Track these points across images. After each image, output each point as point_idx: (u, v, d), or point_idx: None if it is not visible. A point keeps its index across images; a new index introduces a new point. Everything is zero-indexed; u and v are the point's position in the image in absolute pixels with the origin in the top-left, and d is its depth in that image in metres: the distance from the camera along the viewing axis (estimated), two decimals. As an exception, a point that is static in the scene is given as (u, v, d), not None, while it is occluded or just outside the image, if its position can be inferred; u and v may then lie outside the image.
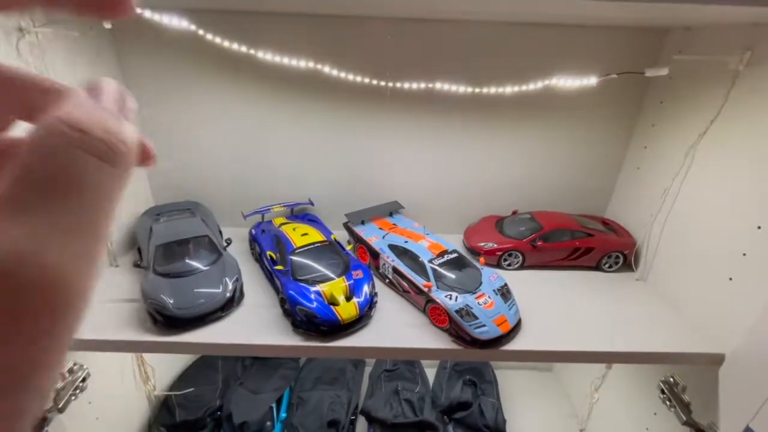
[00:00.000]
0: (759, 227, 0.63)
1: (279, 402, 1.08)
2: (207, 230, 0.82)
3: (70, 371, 0.76)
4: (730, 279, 0.67)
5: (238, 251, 0.92)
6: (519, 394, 1.21)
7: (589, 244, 0.88)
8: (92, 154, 0.14)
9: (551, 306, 0.79)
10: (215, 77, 0.88)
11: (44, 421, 0.69)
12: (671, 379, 0.79)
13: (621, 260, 0.90)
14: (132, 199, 0.93)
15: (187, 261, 0.75)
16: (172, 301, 0.67)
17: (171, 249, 0.77)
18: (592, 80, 0.69)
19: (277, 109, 0.92)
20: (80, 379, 0.77)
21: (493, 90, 0.75)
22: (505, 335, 0.67)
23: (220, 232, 0.92)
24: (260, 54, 0.69)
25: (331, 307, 0.68)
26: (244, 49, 0.68)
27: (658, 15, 0.69)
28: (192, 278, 0.73)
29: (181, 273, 0.73)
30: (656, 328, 0.74)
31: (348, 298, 0.70)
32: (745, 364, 0.64)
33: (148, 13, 0.60)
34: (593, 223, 0.93)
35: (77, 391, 0.76)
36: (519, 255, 0.89)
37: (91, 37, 0.77)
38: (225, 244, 0.85)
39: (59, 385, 0.73)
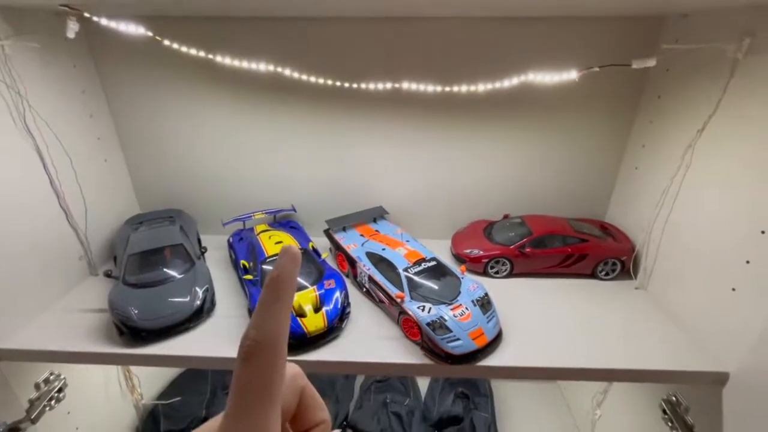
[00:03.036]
0: (763, 232, 0.56)
1: (266, 413, 1.06)
2: (182, 238, 0.81)
3: (46, 381, 0.75)
4: (733, 289, 0.61)
5: (220, 259, 0.91)
6: (518, 407, 1.15)
7: (583, 250, 0.83)
8: None
9: (539, 317, 0.73)
10: (192, 85, 0.87)
11: (17, 431, 0.69)
12: (674, 399, 0.72)
13: (618, 267, 0.83)
14: (117, 207, 0.93)
15: (159, 270, 0.74)
16: (137, 312, 0.66)
17: (144, 258, 0.76)
18: (572, 74, 0.64)
19: (260, 116, 0.91)
20: (56, 390, 0.76)
21: (463, 88, 0.71)
22: (481, 350, 0.63)
23: (199, 241, 0.91)
24: (218, 58, 0.67)
25: (298, 318, 0.65)
26: (202, 54, 0.66)
27: (650, 1, 0.64)
28: (162, 288, 0.71)
29: (151, 282, 0.72)
30: (656, 343, 0.68)
31: (317, 309, 0.67)
32: (751, 385, 0.58)
33: (104, 21, 0.59)
34: (589, 228, 0.87)
35: (52, 402, 0.75)
36: (507, 262, 0.84)
37: (66, 50, 0.78)
38: (200, 252, 0.84)
39: (34, 395, 0.73)
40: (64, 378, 0.79)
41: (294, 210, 0.98)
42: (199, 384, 1.10)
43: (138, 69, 0.86)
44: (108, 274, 0.74)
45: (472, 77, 0.73)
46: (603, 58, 0.69)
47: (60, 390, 0.77)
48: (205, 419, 1.00)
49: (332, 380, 1.12)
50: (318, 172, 0.96)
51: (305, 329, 0.64)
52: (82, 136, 0.83)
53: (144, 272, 0.74)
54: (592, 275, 0.84)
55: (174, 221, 0.89)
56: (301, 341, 0.64)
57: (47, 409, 0.74)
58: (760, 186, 0.57)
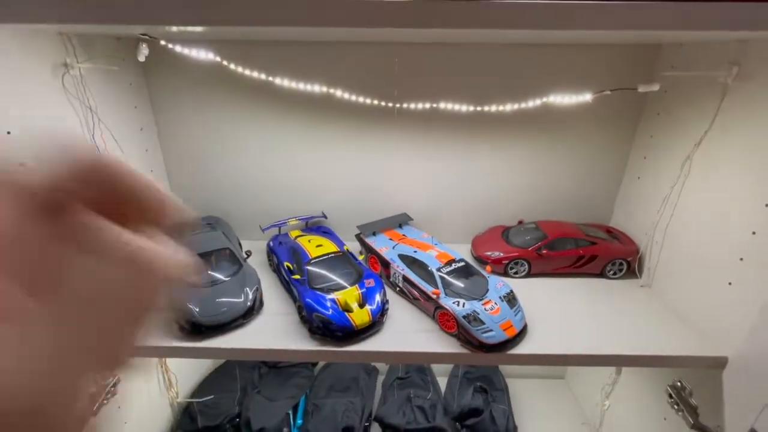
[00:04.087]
0: (754, 233, 0.66)
1: (295, 409, 1.12)
2: (228, 243, 0.88)
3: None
4: (730, 284, 0.70)
5: (256, 263, 0.97)
6: (530, 402, 1.22)
7: (593, 251, 0.91)
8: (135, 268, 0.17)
9: (557, 312, 0.81)
10: (233, 101, 0.95)
11: (79, 423, 0.74)
12: (678, 384, 0.81)
13: (625, 267, 0.92)
14: (158, 215, 0.99)
15: (209, 272, 0.81)
16: (197, 309, 0.72)
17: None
18: (587, 96, 0.73)
19: (292, 130, 0.98)
20: (111, 384, 0.81)
21: (494, 108, 0.80)
22: (511, 339, 0.70)
23: (240, 245, 0.97)
24: (277, 80, 0.75)
25: (346, 313, 0.72)
26: (263, 76, 0.74)
27: (649, 34, 0.73)
28: (215, 288, 0.78)
29: (205, 283, 0.78)
30: (661, 333, 0.76)
31: (361, 306, 0.74)
32: (747, 367, 0.66)
33: (178, 48, 0.67)
34: (597, 232, 0.96)
35: (109, 396, 0.81)
36: (525, 263, 0.92)
37: (124, 69, 0.85)
38: (245, 255, 0.90)
39: (94, 389, 0.78)
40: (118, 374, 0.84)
41: (325, 216, 1.05)
42: (229, 383, 1.15)
43: (183, 86, 0.93)
44: (164, 276, 0.80)
45: (502, 98, 0.82)
46: (610, 81, 0.79)
47: (115, 384, 0.82)
48: (238, 415, 1.06)
49: (355, 377, 1.18)
50: (347, 183, 1.04)
51: (353, 323, 0.71)
52: (135, 147, 0.89)
53: (198, 273, 0.80)
54: (601, 275, 0.93)
55: (215, 228, 0.95)
56: (350, 333, 0.71)
57: (105, 402, 0.79)
58: (750, 192, 0.67)
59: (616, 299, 0.87)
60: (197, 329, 0.72)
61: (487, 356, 0.70)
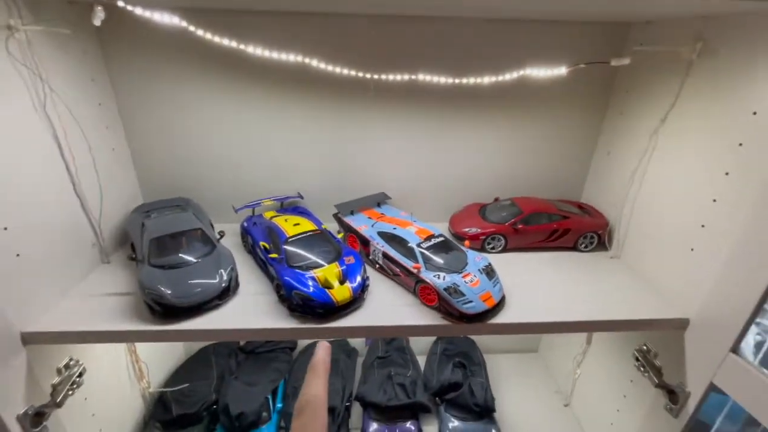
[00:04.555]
0: (714, 200, 0.69)
1: (274, 393, 1.10)
2: (199, 224, 0.84)
3: (66, 366, 0.76)
4: (692, 249, 0.74)
5: (230, 245, 0.93)
6: (506, 375, 1.26)
7: (566, 225, 0.94)
8: None
9: (533, 284, 0.84)
10: (201, 74, 0.90)
11: (42, 416, 0.70)
12: (644, 347, 0.85)
13: (596, 240, 0.96)
14: (120, 197, 0.93)
15: (182, 253, 0.77)
16: (170, 291, 0.69)
17: (165, 242, 0.78)
18: (562, 70, 0.74)
19: (266, 107, 0.95)
20: (77, 374, 0.77)
21: (471, 81, 0.80)
22: (491, 310, 0.72)
23: (212, 226, 0.93)
24: (250, 49, 0.71)
25: (326, 290, 0.71)
26: (234, 44, 0.70)
27: (617, 10, 0.75)
28: (187, 269, 0.74)
29: (176, 264, 0.75)
30: (629, 299, 0.80)
31: (341, 282, 0.73)
32: (706, 326, 0.71)
33: (139, 11, 0.62)
34: (569, 207, 0.99)
35: (74, 386, 0.76)
36: (501, 238, 0.94)
37: (78, 37, 0.78)
38: (218, 236, 0.87)
39: (56, 380, 0.74)
40: (83, 364, 0.79)
41: (301, 197, 1.03)
42: (205, 370, 1.12)
43: (144, 58, 0.87)
44: (132, 258, 0.76)
45: (477, 72, 0.82)
46: (583, 57, 0.80)
47: (80, 375, 0.78)
48: (216, 402, 1.03)
49: (336, 359, 1.18)
50: (322, 161, 1.02)
51: (334, 299, 0.70)
52: (93, 124, 0.83)
53: (169, 255, 0.76)
54: (574, 248, 0.96)
55: (185, 209, 0.91)
56: (331, 310, 0.70)
57: (69, 393, 0.75)
58: (710, 162, 0.70)
59: (587, 270, 0.90)
60: (170, 311, 0.69)
61: (467, 327, 0.71)
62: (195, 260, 0.77)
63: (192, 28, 0.65)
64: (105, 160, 0.86)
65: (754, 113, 0.63)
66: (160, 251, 0.77)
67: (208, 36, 0.68)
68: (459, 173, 1.06)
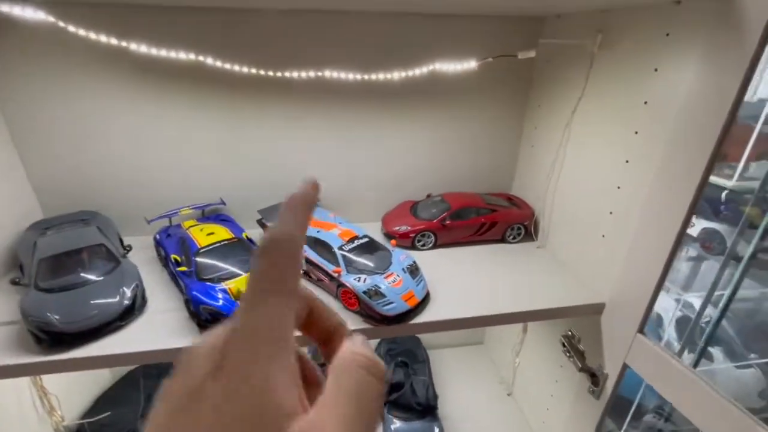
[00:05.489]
0: (618, 187, 0.72)
1: (209, 412, 1.04)
2: (102, 239, 0.77)
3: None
4: (603, 236, 0.76)
5: (146, 259, 0.87)
6: (452, 369, 1.27)
7: (494, 218, 0.95)
8: (373, 375, 0.21)
9: (461, 279, 0.84)
10: (103, 77, 0.82)
11: None
12: (569, 333, 0.88)
13: (522, 231, 0.98)
14: (14, 213, 0.84)
15: (77, 272, 0.70)
16: (57, 317, 0.62)
17: (59, 261, 0.71)
18: (472, 63, 0.74)
19: (176, 107, 0.88)
20: (-42, 418, 0.68)
21: (381, 76, 0.78)
22: (413, 309, 0.70)
23: (121, 241, 0.86)
24: (142, 48, 0.65)
25: (238, 302, 0.66)
26: (113, 41, 0.64)
27: (523, 5, 0.76)
28: (84, 290, 0.68)
29: (70, 286, 0.68)
30: (553, 288, 0.82)
31: (257, 292, 0.69)
32: (617, 310, 0.73)
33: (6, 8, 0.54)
34: (498, 200, 1.01)
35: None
36: (431, 235, 0.94)
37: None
38: (125, 251, 0.80)
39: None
40: (-33, 405, 0.70)
41: (223, 203, 0.97)
42: (130, 394, 1.04)
43: (34, 58, 0.78)
44: (16, 282, 0.68)
45: (389, 67, 0.80)
46: (498, 51, 0.81)
47: (-36, 418, 0.69)
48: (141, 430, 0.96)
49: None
50: (244, 164, 0.97)
51: (247, 311, 0.66)
52: (-34, 133, 0.74)
53: (60, 276, 0.69)
54: (502, 240, 0.98)
55: (89, 223, 0.83)
56: (244, 323, 0.66)
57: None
58: (614, 150, 0.73)
59: (515, 261, 0.92)
60: (58, 339, 0.62)
61: (389, 328, 0.69)
62: (95, 279, 0.70)
63: (62, 25, 0.59)
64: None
65: (645, 102, 0.65)
66: (52, 272, 0.69)
67: (91, 35, 0.62)
68: (390, 173, 1.04)
